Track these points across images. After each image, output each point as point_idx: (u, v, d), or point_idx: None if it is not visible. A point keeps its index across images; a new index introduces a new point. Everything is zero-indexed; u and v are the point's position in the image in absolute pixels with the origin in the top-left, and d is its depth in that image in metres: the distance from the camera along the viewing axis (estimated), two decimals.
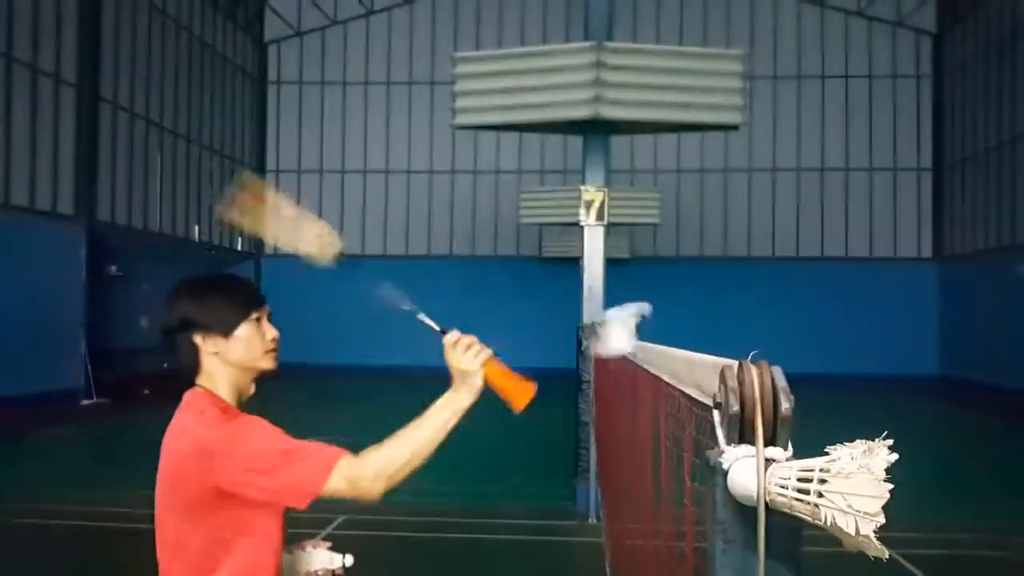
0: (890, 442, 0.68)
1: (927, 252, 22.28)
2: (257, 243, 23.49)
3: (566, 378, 7.47)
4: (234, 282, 1.79)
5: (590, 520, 6.86)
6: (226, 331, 1.69)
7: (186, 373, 1.72)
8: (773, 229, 22.73)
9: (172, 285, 1.75)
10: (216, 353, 1.69)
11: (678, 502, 1.37)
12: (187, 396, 1.69)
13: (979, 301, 19.34)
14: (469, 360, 1.68)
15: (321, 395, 17.79)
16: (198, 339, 1.68)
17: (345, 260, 1.90)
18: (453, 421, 1.66)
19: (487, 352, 1.69)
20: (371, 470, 1.55)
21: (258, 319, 1.74)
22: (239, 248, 22.64)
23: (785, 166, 22.72)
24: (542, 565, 6.10)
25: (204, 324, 1.68)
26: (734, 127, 7.41)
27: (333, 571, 1.91)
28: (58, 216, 14.76)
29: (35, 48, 14.15)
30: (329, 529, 6.43)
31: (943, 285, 21.66)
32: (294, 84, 23.72)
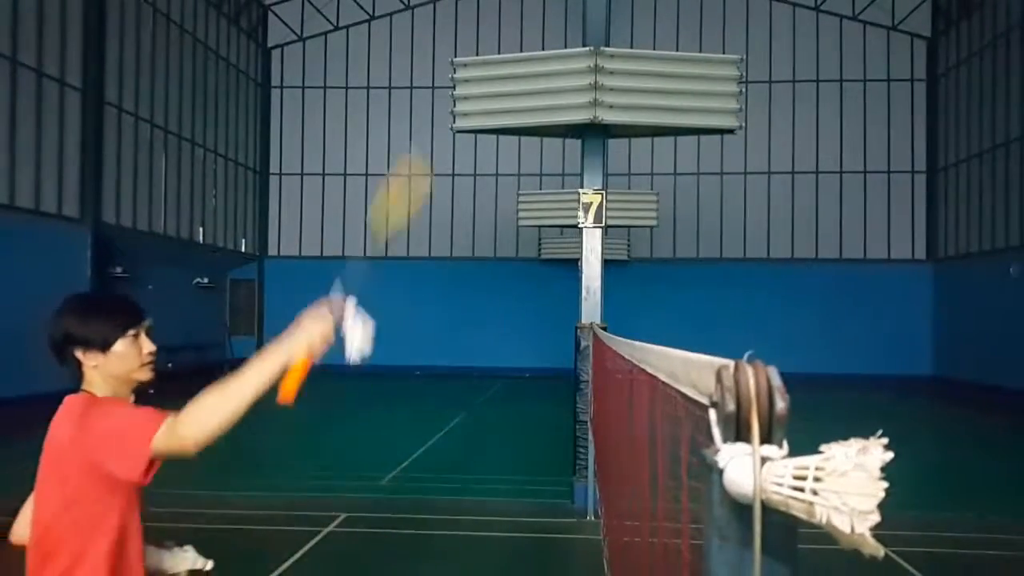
0: (885, 440, 0.68)
1: (921, 254, 22.40)
2: (260, 244, 23.67)
3: (564, 378, 7.53)
4: (114, 301, 1.96)
5: (588, 518, 6.91)
6: (104, 347, 1.84)
7: (73, 382, 1.87)
8: (768, 231, 22.85)
9: (61, 302, 1.91)
10: (95, 366, 1.84)
11: (675, 500, 1.38)
12: (67, 399, 1.84)
13: (973, 302, 19.43)
14: (312, 328, 1.76)
15: (320, 395, 17.89)
16: (79, 353, 1.84)
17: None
18: (274, 370, 1.71)
19: (321, 348, 1.77)
20: (190, 417, 1.64)
21: (135, 335, 1.89)
22: (243, 250, 22.79)
23: (780, 169, 22.85)
24: (540, 562, 6.12)
25: (84, 340, 1.84)
26: (731, 131, 7.44)
27: (196, 572, 2.04)
28: (63, 218, 14.84)
29: (40, 53, 14.22)
30: (330, 527, 6.48)
31: (937, 286, 21.76)
32: (297, 88, 23.88)
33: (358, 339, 1.83)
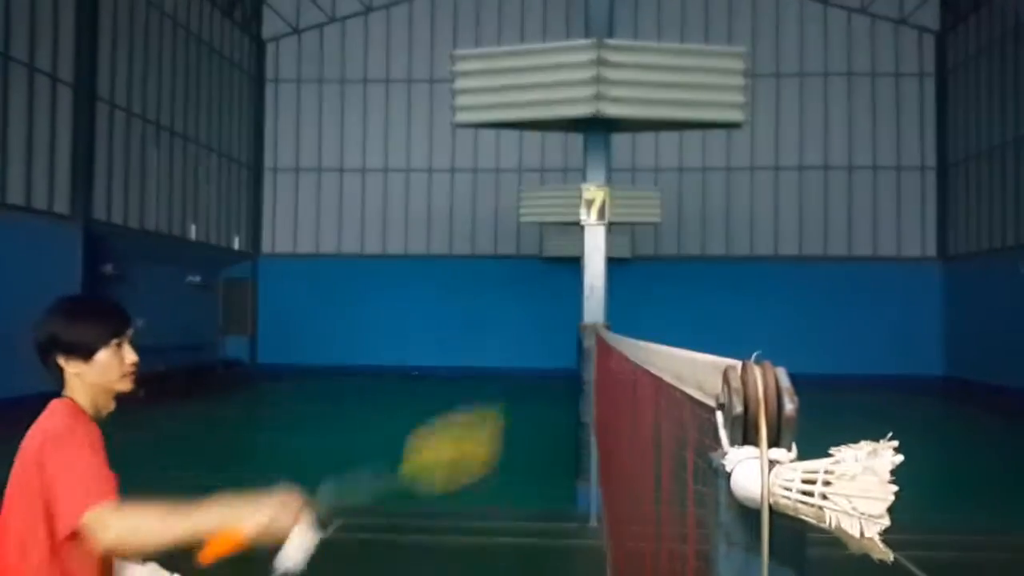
0: (895, 443, 0.68)
1: (931, 251, 22.24)
2: (254, 242, 23.43)
3: (566, 378, 7.43)
4: (102, 307, 1.95)
5: (591, 522, 6.89)
6: (87, 355, 1.84)
7: (56, 386, 1.88)
8: (776, 228, 22.69)
9: (50, 304, 1.90)
10: (77, 374, 1.85)
11: (680, 504, 1.37)
12: (51, 404, 1.86)
13: (984, 301, 19.28)
14: (268, 522, 1.67)
15: (318, 394, 17.72)
16: (61, 360, 1.84)
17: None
18: (211, 529, 1.65)
19: (265, 536, 1.68)
20: (118, 523, 1.63)
21: (119, 344, 1.88)
22: (236, 247, 22.58)
23: (788, 164, 22.66)
24: (543, 567, 6.09)
25: (68, 346, 1.84)
26: (736, 125, 7.51)
27: None
28: (54, 215, 14.74)
29: (32, 47, 14.12)
30: (329, 531, 6.36)
31: (948, 285, 21.62)
32: (292, 82, 23.65)
33: (295, 548, 1.73)
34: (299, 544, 1.74)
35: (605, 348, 5.11)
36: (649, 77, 7.08)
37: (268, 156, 23.67)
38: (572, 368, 7.69)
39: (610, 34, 7.49)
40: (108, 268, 15.79)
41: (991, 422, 15.15)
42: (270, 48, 23.82)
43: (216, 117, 21.25)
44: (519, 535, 6.75)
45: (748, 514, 0.77)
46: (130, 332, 1.92)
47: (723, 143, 22.30)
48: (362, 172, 23.43)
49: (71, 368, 1.85)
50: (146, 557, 1.69)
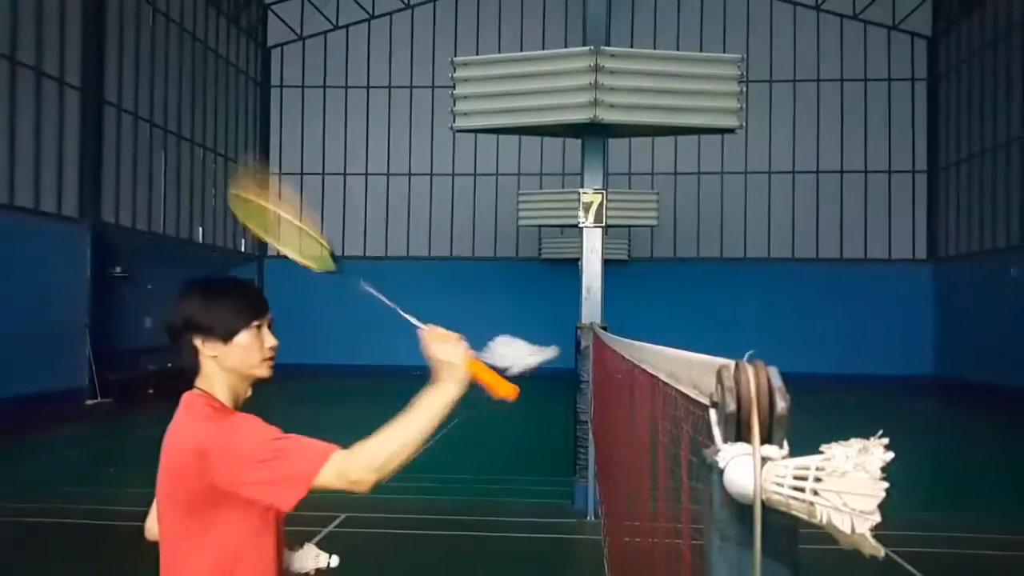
0: (885, 441, 0.68)
1: (922, 253, 22.38)
2: (260, 245, 23.64)
3: (565, 378, 7.52)
4: (242, 288, 1.80)
5: (588, 518, 6.91)
6: (226, 337, 1.71)
7: (187, 373, 1.76)
8: (769, 231, 22.84)
9: (181, 285, 1.78)
10: (215, 357, 1.72)
11: (675, 500, 1.38)
12: (185, 397, 1.73)
13: (974, 302, 19.41)
14: (451, 351, 1.67)
15: (323, 394, 17.88)
16: (198, 342, 1.71)
17: (343, 267, 1.94)
18: (443, 412, 1.64)
19: (465, 345, 1.69)
20: (361, 462, 1.55)
21: (259, 327, 1.76)
22: (242, 249, 22.77)
23: (781, 169, 22.82)
24: (541, 563, 6.10)
25: (206, 327, 1.70)
26: (731, 130, 7.42)
27: (323, 571, 1.96)
28: (63, 218, 14.82)
29: (40, 52, 14.20)
30: (331, 527, 6.50)
31: (938, 286, 21.74)
32: (296, 88, 23.85)
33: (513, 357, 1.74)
34: (522, 352, 1.75)
35: (602, 348, 5.07)
36: (645, 83, 7.07)
37: (273, 160, 23.78)
38: (570, 368, 7.84)
39: (607, 41, 7.41)
40: (116, 270, 15.92)
41: (981, 420, 15.20)
42: (275, 54, 24.00)
43: (222, 121, 21.36)
44: (517, 531, 6.75)
45: (741, 509, 0.78)
46: (270, 316, 1.80)
47: (718, 148, 22.51)
48: (365, 176, 23.64)
49: (208, 351, 1.72)
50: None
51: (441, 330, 1.70)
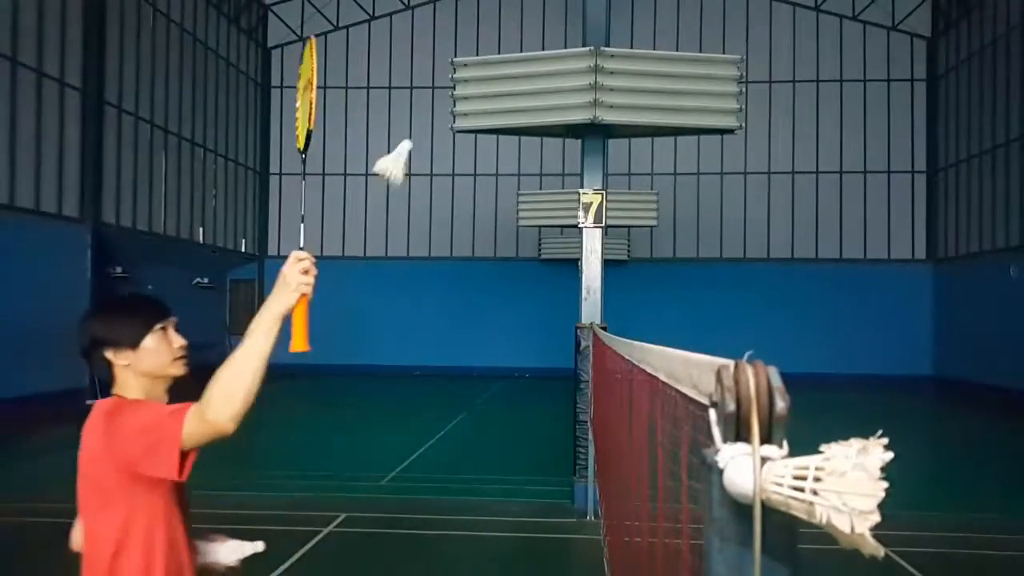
0: (885, 440, 0.68)
1: (921, 254, 22.42)
2: (260, 244, 23.68)
3: (564, 378, 7.54)
4: (137, 299, 1.95)
5: (588, 518, 6.94)
6: (133, 344, 1.83)
7: (105, 387, 1.86)
8: (768, 231, 22.87)
9: (81, 315, 1.91)
10: (127, 365, 1.83)
11: (675, 500, 1.38)
12: (97, 403, 1.83)
13: (973, 302, 19.45)
14: (293, 275, 1.68)
15: (322, 393, 17.91)
16: (110, 355, 1.83)
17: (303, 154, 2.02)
18: (270, 327, 1.65)
19: (310, 287, 1.70)
20: (214, 399, 1.59)
21: (163, 329, 1.87)
22: (243, 250, 22.80)
23: (780, 169, 22.85)
24: (541, 563, 6.12)
25: (113, 340, 1.83)
26: (731, 131, 7.44)
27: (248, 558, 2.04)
28: (63, 218, 14.84)
29: (40, 53, 14.22)
30: (330, 527, 6.49)
31: (937, 287, 21.77)
32: (297, 88, 23.84)
33: (390, 164, 1.80)
34: (393, 161, 1.79)
35: (602, 348, 5.10)
36: (645, 84, 7.10)
37: (274, 160, 23.88)
38: (570, 368, 7.85)
39: (607, 42, 7.41)
40: (117, 270, 15.94)
41: (980, 420, 15.25)
42: (275, 55, 24.05)
43: (223, 122, 21.38)
44: (517, 531, 6.76)
45: (741, 509, 0.77)
46: (173, 319, 1.91)
47: (717, 148, 22.56)
48: (365, 177, 23.69)
49: (120, 360, 1.82)
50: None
51: (309, 256, 1.70)
